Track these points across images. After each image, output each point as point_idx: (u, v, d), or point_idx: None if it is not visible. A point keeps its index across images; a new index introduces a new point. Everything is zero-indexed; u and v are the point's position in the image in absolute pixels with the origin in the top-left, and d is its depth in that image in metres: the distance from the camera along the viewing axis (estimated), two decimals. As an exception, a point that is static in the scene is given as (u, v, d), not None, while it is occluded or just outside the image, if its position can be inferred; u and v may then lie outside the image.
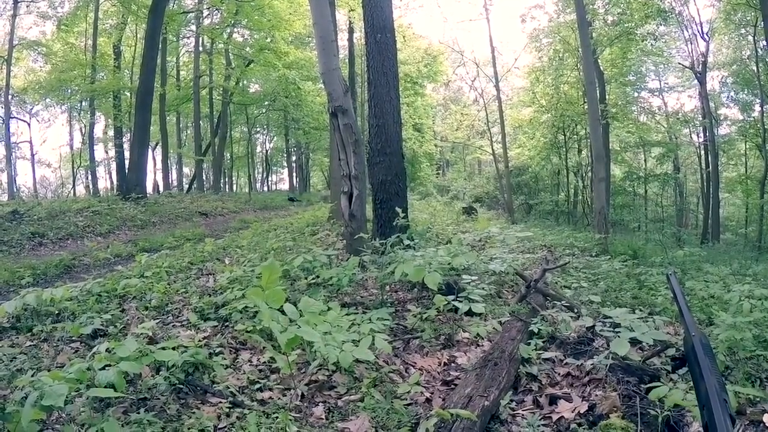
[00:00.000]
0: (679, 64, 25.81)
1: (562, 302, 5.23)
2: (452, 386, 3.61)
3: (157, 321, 4.59)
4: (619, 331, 3.33)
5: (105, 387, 2.60)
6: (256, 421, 2.87)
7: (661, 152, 26.88)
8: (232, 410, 3.13)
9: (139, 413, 2.94)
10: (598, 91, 18.14)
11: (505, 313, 5.04)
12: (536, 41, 25.30)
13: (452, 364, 4.07)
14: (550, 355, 4.01)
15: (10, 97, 27.13)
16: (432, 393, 3.55)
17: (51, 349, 4.14)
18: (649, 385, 3.00)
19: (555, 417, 3.14)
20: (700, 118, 24.59)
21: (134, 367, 2.81)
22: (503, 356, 3.74)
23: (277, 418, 2.94)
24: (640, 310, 4.07)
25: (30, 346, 4.25)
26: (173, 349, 3.33)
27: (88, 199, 18.88)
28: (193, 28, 27.70)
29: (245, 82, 30.12)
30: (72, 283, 4.97)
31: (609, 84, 23.77)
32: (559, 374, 3.78)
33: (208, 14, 27.39)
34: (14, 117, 32.02)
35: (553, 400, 3.36)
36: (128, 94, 25.69)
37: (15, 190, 28.78)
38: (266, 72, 26.87)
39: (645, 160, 29.13)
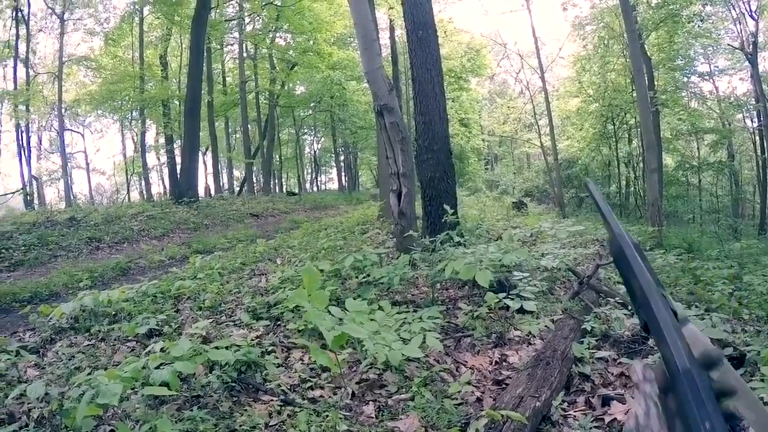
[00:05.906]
0: (729, 45, 24.33)
1: (616, 299, 5.06)
2: (503, 386, 3.54)
3: (211, 321, 4.68)
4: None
5: (159, 385, 2.67)
6: (306, 419, 2.89)
7: (715, 139, 25.61)
8: (283, 408, 3.17)
9: (192, 411, 3.01)
10: (646, 78, 17.54)
11: (558, 310, 4.94)
12: (579, 29, 24.71)
13: (504, 363, 4.00)
14: (604, 354, 3.91)
15: (63, 110, 28.26)
16: (483, 392, 3.49)
17: (108, 348, 4.30)
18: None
19: (608, 419, 3.05)
20: (754, 102, 23.36)
21: (188, 367, 2.87)
22: (555, 355, 3.66)
23: (327, 416, 2.95)
24: (696, 307, 3.91)
25: (88, 345, 4.42)
26: (226, 348, 3.39)
27: (142, 204, 19.48)
28: (236, 35, 28.26)
29: (290, 84, 30.53)
30: (128, 285, 5.14)
31: (657, 70, 22.86)
32: (612, 374, 3.69)
33: (250, 21, 27.86)
34: (68, 129, 33.50)
35: (605, 401, 3.26)
36: (177, 102, 26.34)
37: (72, 197, 30.04)
38: (310, 74, 27.15)
39: (698, 148, 27.91)
